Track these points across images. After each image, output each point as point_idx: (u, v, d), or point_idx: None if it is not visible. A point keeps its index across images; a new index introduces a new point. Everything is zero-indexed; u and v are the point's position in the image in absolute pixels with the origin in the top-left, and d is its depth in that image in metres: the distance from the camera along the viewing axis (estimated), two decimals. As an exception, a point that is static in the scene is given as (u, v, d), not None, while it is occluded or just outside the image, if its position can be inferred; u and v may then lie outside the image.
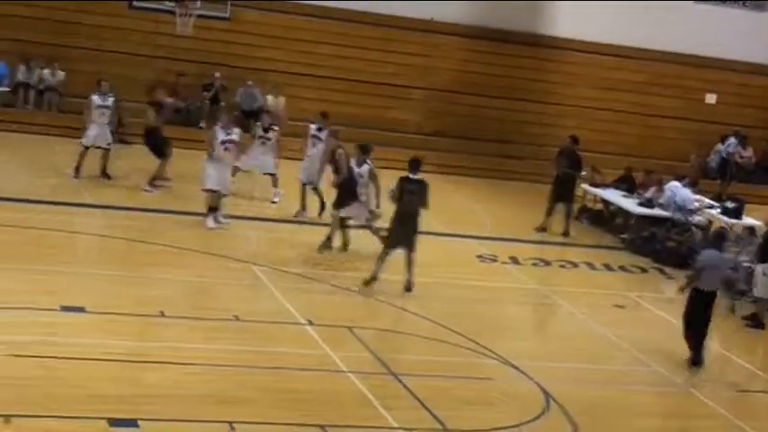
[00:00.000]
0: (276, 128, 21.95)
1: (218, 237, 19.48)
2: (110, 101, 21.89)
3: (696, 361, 16.29)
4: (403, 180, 17.79)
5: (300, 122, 26.88)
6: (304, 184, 21.23)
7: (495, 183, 27.34)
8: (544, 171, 27.89)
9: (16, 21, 26.02)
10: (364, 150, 19.15)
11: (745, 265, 19.98)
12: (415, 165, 17.90)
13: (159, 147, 21.84)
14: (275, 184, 22.07)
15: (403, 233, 17.71)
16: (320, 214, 20.97)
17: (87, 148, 21.67)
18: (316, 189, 21.13)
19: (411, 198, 17.68)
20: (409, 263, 17.72)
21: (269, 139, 21.79)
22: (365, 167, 19.01)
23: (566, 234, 23.09)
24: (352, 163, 19.04)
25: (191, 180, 21.46)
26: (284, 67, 28.04)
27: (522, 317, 18.37)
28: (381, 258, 17.72)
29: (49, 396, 12.09)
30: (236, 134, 20.10)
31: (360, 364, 14.32)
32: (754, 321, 18.85)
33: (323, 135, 21.20)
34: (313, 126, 21.60)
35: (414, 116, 29.37)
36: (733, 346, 17.95)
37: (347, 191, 18.86)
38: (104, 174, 21.88)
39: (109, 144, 21.90)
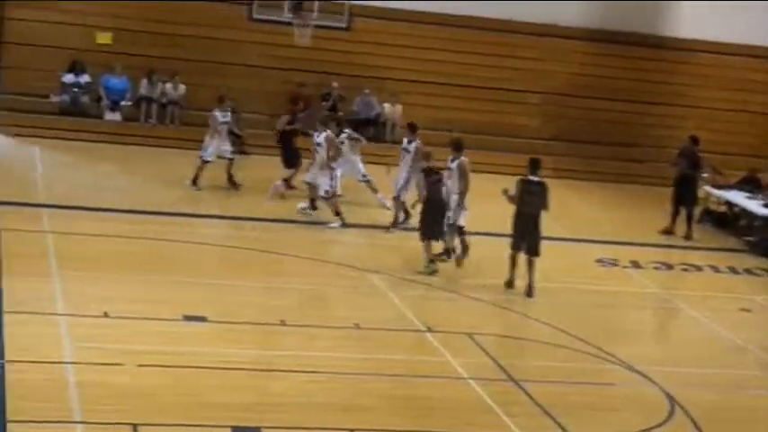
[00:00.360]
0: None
1: (335, 245, 19.65)
2: (229, 115, 22.19)
3: None
4: (523, 181, 17.69)
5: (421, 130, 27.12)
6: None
7: (616, 186, 26.93)
8: (666, 174, 27.54)
9: (138, 36, 26.51)
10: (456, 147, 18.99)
11: None
12: (534, 165, 17.77)
13: (288, 156, 22.04)
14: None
15: (523, 235, 17.55)
16: (391, 228, 20.70)
17: (207, 162, 21.95)
18: (396, 199, 20.93)
19: (531, 199, 17.56)
20: (530, 266, 17.58)
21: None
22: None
23: (687, 237, 22.66)
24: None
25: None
26: (401, 74, 28.05)
27: (643, 321, 18.07)
28: (511, 260, 17.69)
29: (174, 405, 12.24)
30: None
31: (480, 371, 14.23)
32: None
33: (411, 147, 20.87)
34: (404, 139, 21.34)
35: (531, 121, 29.15)
36: None
37: (429, 214, 18.46)
38: (231, 182, 22.16)
39: (232, 153, 22.14)
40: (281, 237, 19.86)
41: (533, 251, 17.57)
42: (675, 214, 22.85)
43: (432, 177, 18.34)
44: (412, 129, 21.34)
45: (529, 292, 17.55)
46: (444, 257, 18.59)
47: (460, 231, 18.86)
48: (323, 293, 17.02)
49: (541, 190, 17.55)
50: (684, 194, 22.83)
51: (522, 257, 17.66)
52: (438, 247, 18.51)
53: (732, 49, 29.59)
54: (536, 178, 17.66)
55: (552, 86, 29.18)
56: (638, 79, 29.23)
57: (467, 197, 18.63)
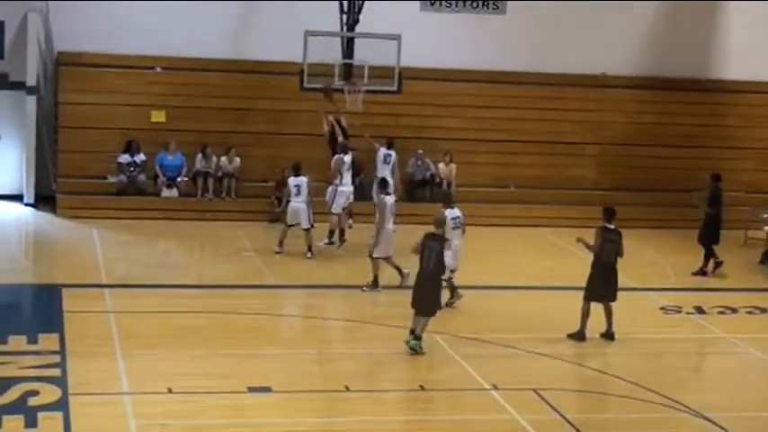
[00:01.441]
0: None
1: (392, 308, 19.53)
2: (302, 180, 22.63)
3: None
4: (602, 230, 17.91)
5: (475, 188, 27.15)
6: None
7: (675, 232, 26.58)
8: (728, 216, 27.28)
9: (190, 112, 26.75)
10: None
11: None
12: (610, 214, 18.03)
13: None
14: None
15: (603, 283, 17.79)
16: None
17: (290, 226, 22.48)
18: None
19: (611, 247, 17.78)
20: (610, 312, 17.88)
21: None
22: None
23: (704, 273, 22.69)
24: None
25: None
26: (454, 134, 28.04)
27: (711, 367, 17.81)
28: (586, 311, 17.83)
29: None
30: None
31: (549, 428, 14.08)
32: None
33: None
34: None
35: (588, 172, 29.00)
36: None
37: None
38: (309, 250, 22.53)
39: (310, 223, 22.53)
40: (337, 303, 19.84)
41: (613, 297, 17.87)
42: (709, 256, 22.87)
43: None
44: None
45: (610, 336, 17.79)
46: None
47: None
48: (385, 357, 16.90)
49: (618, 237, 17.83)
50: (704, 235, 22.97)
51: (594, 307, 17.68)
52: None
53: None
54: (612, 226, 17.87)
55: (607, 136, 29.06)
56: (690, 124, 29.08)
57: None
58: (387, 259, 20.31)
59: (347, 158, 23.29)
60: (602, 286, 17.84)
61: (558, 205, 27.13)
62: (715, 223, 23.05)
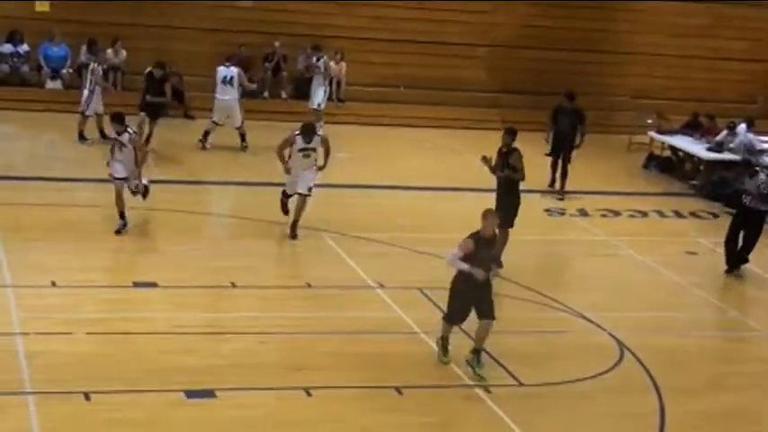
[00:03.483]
0: None
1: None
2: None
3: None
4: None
5: (368, 87, 27.11)
6: None
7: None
8: (610, 121, 27.76)
9: (77, 2, 26.09)
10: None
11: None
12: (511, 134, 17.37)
13: None
14: None
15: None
16: None
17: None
18: None
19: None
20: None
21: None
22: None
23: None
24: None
25: (255, 150, 21.80)
26: (347, 32, 27.78)
27: (592, 269, 18.13)
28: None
29: (126, 371, 12.26)
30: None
31: (433, 325, 14.23)
32: None
33: None
34: None
35: (478, 74, 29.06)
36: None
37: None
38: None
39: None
40: (226, 198, 19.76)
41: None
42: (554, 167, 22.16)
43: None
44: None
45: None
46: None
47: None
48: (274, 254, 16.98)
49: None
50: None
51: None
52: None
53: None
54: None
55: (497, 39, 29.10)
56: (581, 28, 29.17)
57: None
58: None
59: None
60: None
61: (447, 106, 27.22)
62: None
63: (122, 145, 16.97)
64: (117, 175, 16.95)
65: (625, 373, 13.45)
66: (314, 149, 17.56)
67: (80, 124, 22.35)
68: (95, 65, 22.64)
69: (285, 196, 17.77)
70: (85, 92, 22.43)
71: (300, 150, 17.38)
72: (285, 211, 17.75)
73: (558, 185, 21.83)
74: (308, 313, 14.55)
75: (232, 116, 22.68)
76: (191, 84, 25.79)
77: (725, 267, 17.74)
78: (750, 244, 17.68)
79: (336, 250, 17.14)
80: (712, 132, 23.96)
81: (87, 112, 22.32)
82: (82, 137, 22.30)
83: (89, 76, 22.55)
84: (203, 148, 22.60)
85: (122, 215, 16.93)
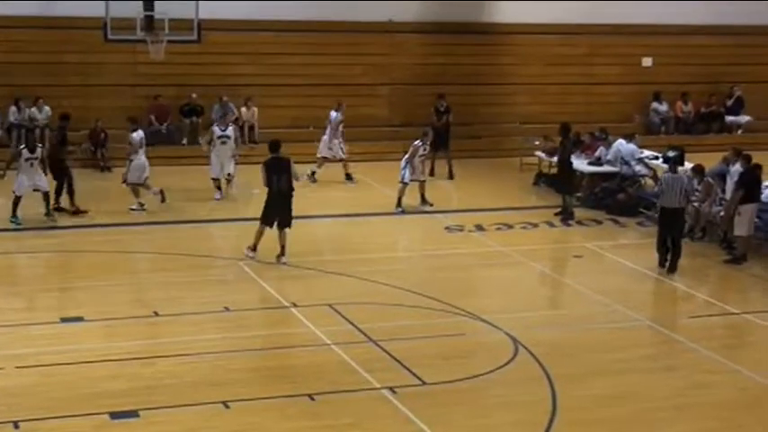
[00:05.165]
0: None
1: (203, 240, 19.40)
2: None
3: (673, 268, 17.65)
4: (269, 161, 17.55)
5: (279, 129, 27.01)
6: None
7: (459, 162, 27.00)
8: (505, 146, 27.98)
9: (2, 67, 25.76)
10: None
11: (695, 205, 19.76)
12: (275, 146, 17.65)
13: None
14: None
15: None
16: None
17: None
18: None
19: (282, 176, 17.46)
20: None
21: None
22: None
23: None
24: None
25: (172, 192, 21.70)
26: (257, 80, 27.78)
27: (488, 276, 18.18)
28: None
29: (54, 399, 12.00)
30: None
31: (342, 336, 14.21)
32: (734, 257, 18.53)
33: None
34: None
35: (381, 110, 29.15)
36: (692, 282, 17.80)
37: None
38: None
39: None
40: (147, 238, 19.49)
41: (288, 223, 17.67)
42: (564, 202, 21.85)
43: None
44: None
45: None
46: None
47: None
48: (193, 284, 16.74)
49: (288, 165, 17.54)
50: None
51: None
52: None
53: (545, 28, 29.96)
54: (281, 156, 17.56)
55: (396, 77, 29.22)
56: (471, 63, 29.44)
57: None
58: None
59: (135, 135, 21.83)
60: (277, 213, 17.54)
61: (354, 142, 27.17)
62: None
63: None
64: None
65: (520, 366, 13.42)
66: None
67: None
68: None
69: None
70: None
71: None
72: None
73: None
74: (225, 334, 14.35)
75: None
76: (113, 137, 25.48)
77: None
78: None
79: (252, 275, 16.98)
80: (592, 148, 24.20)
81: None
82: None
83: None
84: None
85: None
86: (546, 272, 18.39)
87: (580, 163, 23.51)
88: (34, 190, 20.02)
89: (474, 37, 29.62)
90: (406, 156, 21.73)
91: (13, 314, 14.69)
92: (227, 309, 15.31)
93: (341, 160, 24.76)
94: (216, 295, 16.13)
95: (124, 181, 21.45)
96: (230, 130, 22.57)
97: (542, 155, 25.05)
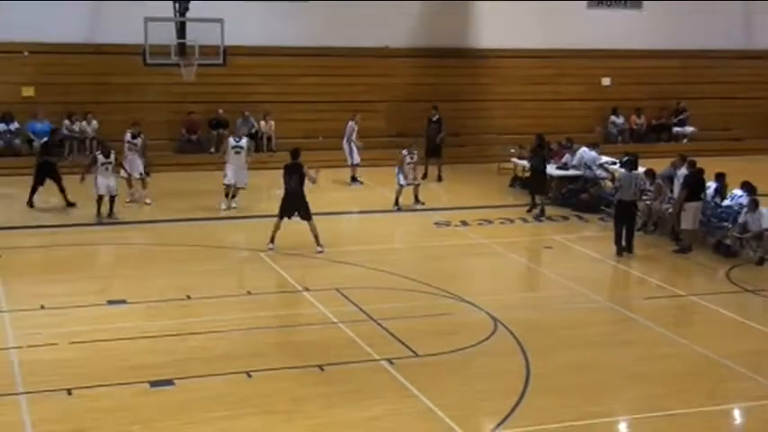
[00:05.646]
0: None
1: (229, 234, 19.36)
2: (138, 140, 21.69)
3: (630, 249, 17.95)
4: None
5: (294, 139, 26.93)
6: None
7: (448, 167, 26.97)
8: (485, 153, 27.91)
9: (56, 87, 25.72)
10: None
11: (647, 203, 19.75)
12: (295, 153, 17.93)
13: None
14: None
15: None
16: None
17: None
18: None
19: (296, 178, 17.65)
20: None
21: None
22: None
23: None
24: None
25: (201, 194, 21.61)
26: (274, 97, 27.68)
27: (472, 264, 18.13)
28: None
29: (101, 370, 11.99)
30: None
31: (347, 316, 14.19)
32: (681, 248, 18.52)
33: None
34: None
35: (380, 123, 29.07)
36: (646, 269, 17.76)
37: None
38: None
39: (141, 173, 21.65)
40: (177, 232, 19.40)
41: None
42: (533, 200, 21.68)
43: None
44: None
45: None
46: None
47: None
48: (220, 271, 16.71)
49: (299, 169, 17.60)
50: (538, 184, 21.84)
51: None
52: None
53: (520, 53, 29.89)
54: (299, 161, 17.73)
55: (393, 95, 29.16)
56: (455, 83, 29.37)
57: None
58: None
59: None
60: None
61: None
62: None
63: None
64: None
65: (499, 341, 13.41)
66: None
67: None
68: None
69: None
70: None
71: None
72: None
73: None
74: (248, 314, 14.33)
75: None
76: (151, 146, 25.37)
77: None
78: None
79: (270, 264, 16.95)
80: (559, 155, 24.14)
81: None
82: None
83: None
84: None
85: None
86: (521, 261, 18.36)
87: (550, 168, 23.43)
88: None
89: (459, 60, 29.53)
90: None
91: (67, 298, 14.64)
92: (249, 293, 15.28)
93: (353, 165, 24.52)
94: (239, 281, 16.13)
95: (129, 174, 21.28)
96: (244, 141, 21.33)
97: (517, 161, 24.98)
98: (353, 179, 24.60)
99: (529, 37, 29.61)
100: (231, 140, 21.28)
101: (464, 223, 20.64)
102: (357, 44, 28.54)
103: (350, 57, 28.59)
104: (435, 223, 20.61)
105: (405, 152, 21.78)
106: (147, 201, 21.54)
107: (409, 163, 21.76)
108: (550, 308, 15.07)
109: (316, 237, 17.68)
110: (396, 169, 21.72)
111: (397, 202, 21.58)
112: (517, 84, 30.03)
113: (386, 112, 29.16)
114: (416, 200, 21.96)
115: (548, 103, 30.27)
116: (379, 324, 13.81)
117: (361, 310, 14.44)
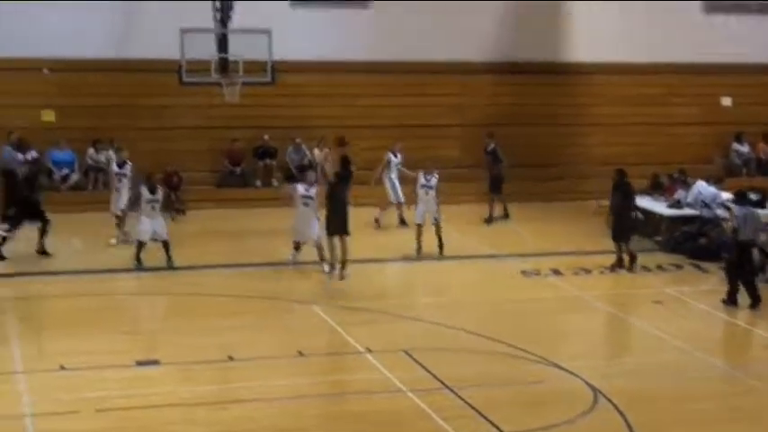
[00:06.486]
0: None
1: (277, 282, 19.52)
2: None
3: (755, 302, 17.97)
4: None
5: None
6: None
7: (536, 204, 27.00)
8: (582, 188, 27.86)
9: (79, 110, 26.35)
10: None
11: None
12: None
13: None
14: None
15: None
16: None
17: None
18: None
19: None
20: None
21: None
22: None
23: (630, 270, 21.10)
24: None
25: (245, 235, 21.77)
26: (329, 121, 27.97)
27: (565, 322, 18.06)
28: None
29: (131, 443, 12.16)
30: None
31: (417, 383, 14.20)
32: None
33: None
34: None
35: (453, 151, 29.23)
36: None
37: None
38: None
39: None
40: (218, 280, 19.71)
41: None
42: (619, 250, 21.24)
43: None
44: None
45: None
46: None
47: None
48: (267, 327, 16.90)
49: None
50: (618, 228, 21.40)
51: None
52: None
53: (620, 68, 29.98)
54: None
55: (468, 118, 29.32)
56: (543, 104, 29.49)
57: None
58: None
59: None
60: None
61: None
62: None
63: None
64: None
65: (599, 415, 13.31)
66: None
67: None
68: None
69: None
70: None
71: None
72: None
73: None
74: (299, 379, 14.45)
75: None
76: (187, 179, 25.88)
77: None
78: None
79: (325, 319, 17.10)
80: (671, 191, 24.02)
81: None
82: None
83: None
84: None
85: None
86: (625, 318, 18.26)
87: (659, 206, 23.37)
88: (152, 239, 20.08)
89: (548, 77, 29.69)
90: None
91: (91, 357, 14.89)
92: (300, 353, 15.40)
93: (398, 204, 24.64)
94: (289, 339, 16.25)
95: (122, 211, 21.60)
96: (314, 191, 20.02)
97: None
98: (402, 221, 24.45)
99: (632, 49, 29.72)
100: (299, 188, 20.25)
101: (556, 272, 20.61)
102: (426, 58, 28.81)
103: (418, 73, 28.89)
104: (522, 272, 20.62)
105: (421, 173, 21.83)
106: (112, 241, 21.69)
107: (423, 186, 21.65)
108: (660, 375, 14.92)
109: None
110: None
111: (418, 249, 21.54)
112: (618, 104, 30.07)
113: (460, 138, 29.35)
114: (440, 246, 21.40)
115: (656, 128, 30.21)
116: (455, 393, 13.82)
117: (433, 375, 14.45)
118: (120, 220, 21.90)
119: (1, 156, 24.51)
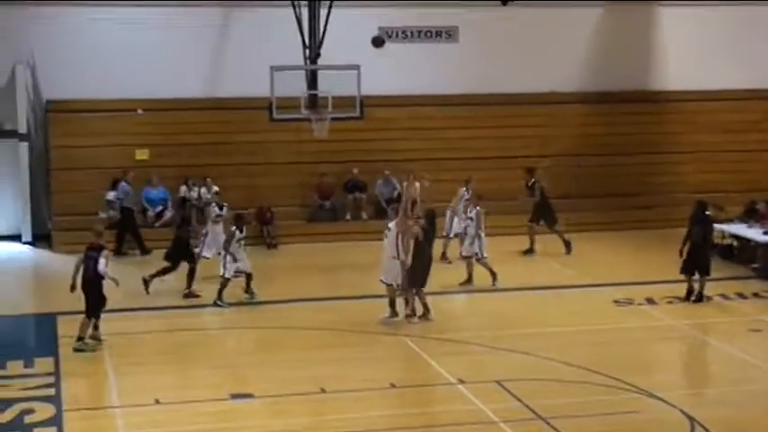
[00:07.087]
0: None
1: (369, 315, 19.49)
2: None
3: None
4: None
5: (439, 203, 27.17)
6: None
7: (627, 233, 26.66)
8: (672, 215, 27.43)
9: (172, 148, 26.82)
10: None
11: None
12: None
13: None
14: None
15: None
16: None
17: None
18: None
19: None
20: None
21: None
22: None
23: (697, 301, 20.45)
24: None
25: (336, 269, 21.81)
26: (417, 155, 27.89)
27: (660, 351, 17.86)
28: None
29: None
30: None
31: (511, 414, 14.12)
32: None
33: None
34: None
35: (542, 183, 29.01)
36: None
37: None
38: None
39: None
40: (310, 314, 19.82)
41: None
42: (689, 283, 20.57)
43: None
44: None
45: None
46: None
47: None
48: (359, 360, 16.93)
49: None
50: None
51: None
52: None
53: (713, 95, 29.64)
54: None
55: (557, 149, 29.13)
56: (633, 133, 29.21)
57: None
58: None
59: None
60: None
61: (516, 215, 27.05)
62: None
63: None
64: None
65: (697, 446, 13.09)
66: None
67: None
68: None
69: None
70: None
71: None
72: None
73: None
74: (391, 411, 14.45)
75: None
76: (278, 214, 26.11)
77: None
78: None
79: (417, 351, 17.08)
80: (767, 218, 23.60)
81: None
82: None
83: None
84: None
85: None
86: (722, 347, 17.87)
87: (755, 233, 22.94)
88: (236, 274, 20.17)
89: (639, 105, 29.49)
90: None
91: (185, 391, 15.09)
92: (393, 385, 15.41)
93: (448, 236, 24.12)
94: (381, 372, 16.26)
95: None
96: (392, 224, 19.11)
97: (716, 225, 24.42)
98: (443, 256, 23.63)
99: (725, 75, 29.30)
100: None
101: (650, 301, 20.33)
102: (515, 90, 28.77)
103: (506, 105, 28.86)
104: (615, 301, 20.37)
105: (463, 189, 22.03)
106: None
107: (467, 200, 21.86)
108: (759, 405, 14.63)
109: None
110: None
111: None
112: (712, 132, 29.67)
113: (549, 169, 29.12)
114: (469, 277, 21.49)
115: (752, 155, 29.75)
116: (549, 423, 13.69)
117: (526, 406, 14.35)
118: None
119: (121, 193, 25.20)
